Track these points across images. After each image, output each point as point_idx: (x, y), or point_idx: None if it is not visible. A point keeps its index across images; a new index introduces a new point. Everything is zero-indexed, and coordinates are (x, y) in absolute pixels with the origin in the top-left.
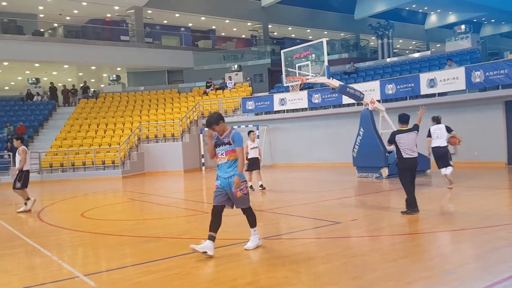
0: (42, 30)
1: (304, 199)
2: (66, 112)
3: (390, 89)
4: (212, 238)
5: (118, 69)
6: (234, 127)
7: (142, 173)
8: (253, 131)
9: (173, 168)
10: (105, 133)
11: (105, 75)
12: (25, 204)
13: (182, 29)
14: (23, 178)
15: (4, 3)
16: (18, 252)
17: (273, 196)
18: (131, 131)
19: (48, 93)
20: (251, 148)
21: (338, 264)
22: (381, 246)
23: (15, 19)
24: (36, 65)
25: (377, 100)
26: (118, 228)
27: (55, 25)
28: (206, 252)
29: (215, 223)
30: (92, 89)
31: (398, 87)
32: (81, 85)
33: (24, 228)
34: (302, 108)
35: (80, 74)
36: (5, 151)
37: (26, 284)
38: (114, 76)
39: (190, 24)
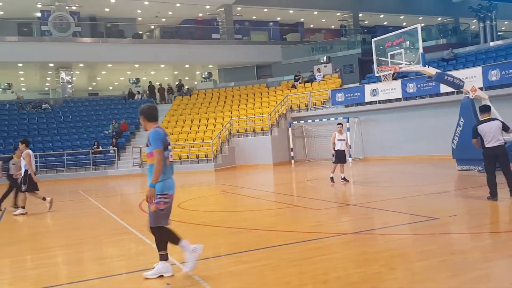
0: (140, 32)
1: (399, 193)
2: (163, 109)
3: (494, 75)
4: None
5: (210, 66)
6: (323, 119)
7: (233, 167)
8: (340, 124)
9: (263, 161)
10: (198, 128)
11: (197, 72)
12: (23, 207)
13: (271, 23)
14: (28, 181)
15: (107, 9)
16: (123, 240)
17: (366, 190)
18: (223, 125)
19: (147, 92)
20: (338, 140)
21: (435, 261)
22: (483, 244)
23: (117, 24)
24: (136, 66)
25: (479, 88)
26: (212, 219)
27: (152, 27)
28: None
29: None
30: (186, 87)
31: (504, 72)
32: (176, 83)
33: (128, 218)
34: (396, 99)
35: (175, 72)
36: (111, 146)
37: (131, 269)
38: (206, 73)
39: (278, 18)
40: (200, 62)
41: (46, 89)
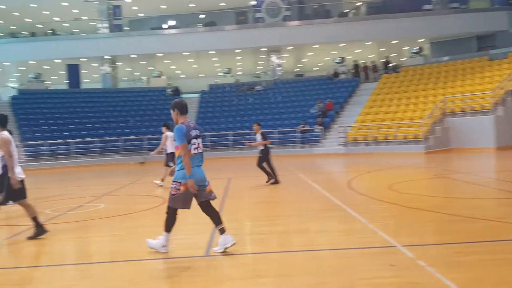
0: (346, 11)
1: None
2: (368, 88)
3: None
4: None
5: (419, 40)
6: None
7: (447, 149)
8: None
9: (483, 144)
10: (407, 107)
11: (405, 48)
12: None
13: None
14: None
15: None
16: (335, 217)
17: None
18: (435, 104)
19: (352, 71)
20: None
21: None
22: None
23: (324, 4)
24: (341, 45)
25: None
26: (426, 204)
27: (358, 4)
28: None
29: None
30: (393, 63)
31: None
32: (382, 60)
33: (339, 196)
34: None
35: (381, 49)
36: (316, 125)
37: (339, 246)
38: (416, 48)
39: None
40: (409, 37)
41: (258, 72)
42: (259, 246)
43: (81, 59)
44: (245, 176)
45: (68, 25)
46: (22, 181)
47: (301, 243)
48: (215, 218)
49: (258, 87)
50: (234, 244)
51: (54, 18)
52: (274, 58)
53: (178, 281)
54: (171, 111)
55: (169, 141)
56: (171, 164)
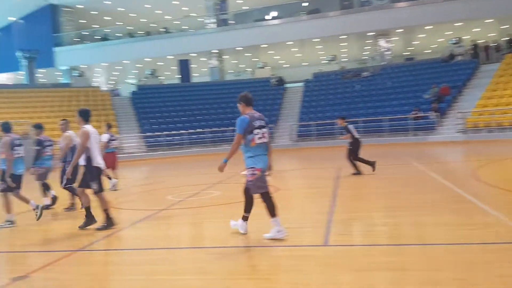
0: None
1: None
2: (490, 69)
3: None
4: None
5: None
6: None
7: None
8: None
9: None
10: None
11: None
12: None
13: None
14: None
15: None
16: (462, 209)
17: None
18: None
19: (470, 52)
20: None
21: None
22: None
23: None
24: (457, 24)
25: None
26: None
27: None
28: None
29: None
30: None
31: None
32: (505, 38)
33: (464, 187)
34: None
35: (503, 27)
36: (431, 111)
37: (474, 240)
38: None
39: None
40: None
41: (365, 57)
42: (382, 238)
43: (191, 54)
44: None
45: (179, 22)
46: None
47: (436, 237)
48: (271, 209)
49: (365, 73)
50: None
51: (166, 17)
52: (382, 42)
53: (300, 269)
54: (238, 104)
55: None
56: None
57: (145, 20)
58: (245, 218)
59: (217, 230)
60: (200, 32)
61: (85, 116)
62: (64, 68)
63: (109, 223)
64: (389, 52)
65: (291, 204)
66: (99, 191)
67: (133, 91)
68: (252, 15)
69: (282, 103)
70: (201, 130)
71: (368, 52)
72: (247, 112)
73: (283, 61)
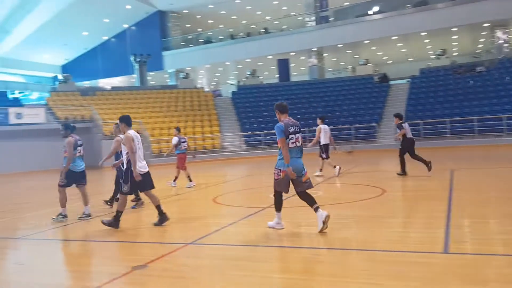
0: None
1: None
2: None
3: None
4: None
5: None
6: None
7: None
8: None
9: None
10: None
11: None
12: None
13: None
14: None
15: None
16: None
17: None
18: None
19: None
20: None
21: None
22: None
23: None
24: None
25: None
26: None
27: None
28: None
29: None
30: None
31: None
32: None
33: None
34: None
35: None
36: None
37: None
38: None
39: None
40: None
41: (479, 51)
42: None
43: (290, 54)
44: (471, 168)
45: (278, 22)
46: (146, 174)
47: None
48: (310, 201)
49: (479, 68)
50: (328, 216)
51: (266, 18)
52: (499, 34)
53: (423, 277)
54: (275, 111)
55: (322, 133)
56: (323, 155)
57: (246, 22)
58: (278, 209)
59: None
60: (300, 31)
61: (127, 121)
62: (171, 70)
63: (163, 218)
64: (507, 44)
65: (403, 208)
66: (128, 193)
67: (234, 91)
68: (353, 11)
69: (386, 101)
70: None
71: (482, 45)
72: (282, 119)
73: (386, 57)
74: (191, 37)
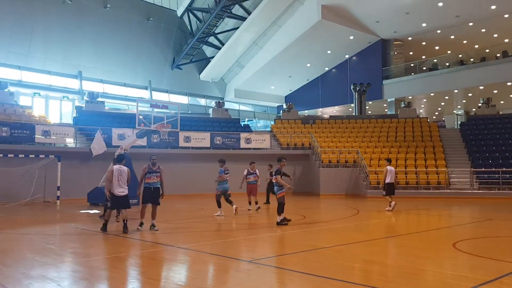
0: None
1: None
2: None
3: None
4: None
5: None
6: None
7: None
8: None
9: None
10: None
11: None
12: None
13: None
14: None
15: None
16: None
17: None
18: None
19: None
20: None
21: None
22: None
23: None
24: None
25: None
26: None
27: None
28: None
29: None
30: None
31: None
32: None
33: None
34: None
35: None
36: None
37: None
38: None
39: None
40: None
41: None
42: None
43: None
44: None
45: None
46: (123, 196)
47: None
48: None
49: None
50: None
51: (505, 40)
52: None
53: None
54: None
55: None
56: None
57: (477, 46)
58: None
59: None
60: None
61: (118, 159)
62: (390, 99)
63: (124, 228)
64: None
65: None
66: (111, 208)
67: (462, 121)
68: None
69: None
70: None
71: None
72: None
73: None
74: (413, 64)
